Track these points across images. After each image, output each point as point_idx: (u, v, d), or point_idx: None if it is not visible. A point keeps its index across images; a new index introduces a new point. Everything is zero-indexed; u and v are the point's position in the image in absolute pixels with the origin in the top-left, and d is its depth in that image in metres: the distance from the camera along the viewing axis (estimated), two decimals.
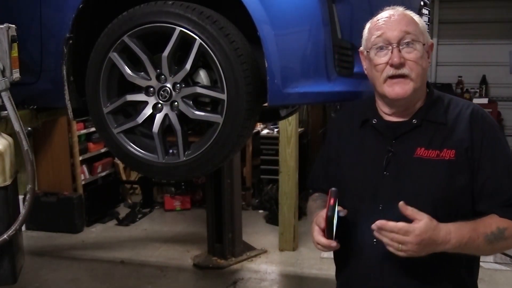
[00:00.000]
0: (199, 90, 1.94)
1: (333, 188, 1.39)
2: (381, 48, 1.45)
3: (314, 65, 1.86)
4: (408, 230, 1.32)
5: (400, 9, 1.49)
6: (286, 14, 1.86)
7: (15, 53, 1.98)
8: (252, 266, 4.36)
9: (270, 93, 1.88)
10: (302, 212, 4.86)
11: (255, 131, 5.47)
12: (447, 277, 1.48)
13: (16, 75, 2.00)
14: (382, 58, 1.45)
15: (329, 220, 1.37)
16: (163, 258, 4.52)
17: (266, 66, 1.85)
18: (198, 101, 1.99)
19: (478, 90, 5.94)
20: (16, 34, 1.98)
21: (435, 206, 1.42)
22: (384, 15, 1.48)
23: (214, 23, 1.85)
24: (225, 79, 1.86)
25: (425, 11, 2.35)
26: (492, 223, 1.41)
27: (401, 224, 1.32)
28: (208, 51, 1.86)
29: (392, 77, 1.44)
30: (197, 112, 1.94)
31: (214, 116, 1.93)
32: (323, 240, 1.41)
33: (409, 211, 1.34)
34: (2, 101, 1.95)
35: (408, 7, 2.14)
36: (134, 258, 4.52)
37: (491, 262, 4.34)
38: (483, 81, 5.94)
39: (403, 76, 1.43)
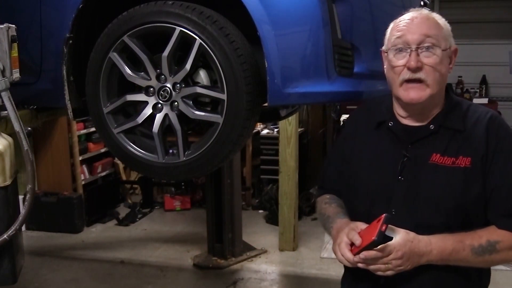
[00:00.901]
0: (199, 90, 1.94)
1: (386, 214, 1.35)
2: (400, 50, 1.43)
3: (314, 65, 1.86)
4: (389, 249, 1.34)
5: (425, 11, 1.46)
6: (286, 14, 1.85)
7: (15, 53, 1.98)
8: (252, 266, 4.36)
9: (270, 93, 1.88)
10: (302, 212, 4.86)
11: (255, 131, 5.47)
12: (457, 276, 1.47)
13: (16, 75, 2.00)
14: (400, 61, 1.43)
15: (374, 244, 1.33)
16: (163, 258, 4.52)
17: (266, 66, 1.85)
18: (198, 101, 1.99)
19: (478, 90, 5.94)
20: (16, 34, 1.98)
21: (448, 214, 1.41)
22: (407, 16, 1.45)
23: (214, 23, 1.85)
24: (225, 79, 1.86)
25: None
26: (483, 235, 1.40)
27: (382, 246, 1.33)
28: (208, 51, 1.86)
29: (408, 81, 1.42)
30: (197, 112, 1.94)
31: (214, 116, 1.93)
32: (349, 255, 1.38)
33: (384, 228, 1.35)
34: (2, 101, 1.95)
35: (408, 6, 2.14)
36: (134, 258, 4.52)
37: None
38: (483, 81, 5.94)
39: (419, 80, 1.41)
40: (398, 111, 1.52)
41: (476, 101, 5.81)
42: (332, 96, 1.92)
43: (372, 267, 1.37)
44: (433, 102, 1.47)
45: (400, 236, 1.35)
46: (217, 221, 4.37)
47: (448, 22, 1.48)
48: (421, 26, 1.42)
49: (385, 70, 1.53)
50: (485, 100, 5.79)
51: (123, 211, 5.72)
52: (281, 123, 4.45)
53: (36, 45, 2.19)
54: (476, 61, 5.99)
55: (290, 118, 4.08)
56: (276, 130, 5.66)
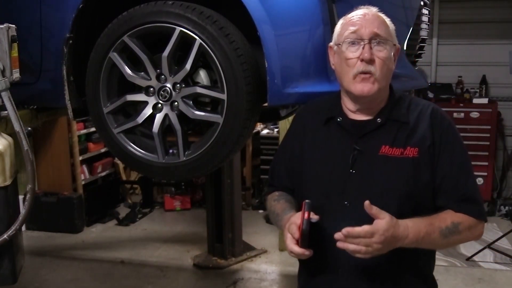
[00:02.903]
0: (199, 90, 1.94)
1: (307, 200, 1.39)
2: (353, 43, 1.48)
3: (314, 65, 1.86)
4: (373, 232, 1.35)
5: (374, 9, 1.52)
6: (286, 14, 1.86)
7: (15, 53, 1.98)
8: (252, 266, 4.36)
9: (270, 93, 1.88)
10: None
11: (255, 131, 5.46)
12: (408, 271, 1.54)
13: (16, 75, 2.00)
14: (353, 53, 1.48)
15: (304, 233, 1.37)
16: (163, 258, 4.52)
17: (266, 66, 1.85)
18: (198, 101, 1.99)
19: (478, 90, 5.92)
20: (16, 34, 1.98)
21: (401, 202, 1.47)
22: (359, 13, 1.51)
23: (214, 23, 1.85)
24: (225, 79, 1.86)
25: (425, 11, 2.35)
26: (447, 218, 1.47)
27: (366, 227, 1.35)
28: (208, 51, 1.86)
29: (362, 72, 1.47)
30: (197, 112, 1.94)
31: (214, 116, 1.93)
32: (296, 249, 1.41)
33: (374, 210, 1.37)
34: (2, 101, 1.95)
35: (408, 7, 2.15)
36: (134, 258, 4.52)
37: (491, 262, 4.35)
38: (483, 81, 5.92)
39: (370, 73, 1.47)
40: (348, 105, 1.56)
41: (476, 101, 5.79)
42: None
43: (352, 247, 1.37)
44: (380, 96, 1.53)
45: (386, 221, 1.37)
46: (217, 221, 4.37)
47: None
48: (373, 22, 1.48)
49: (333, 65, 1.58)
50: (485, 100, 5.77)
51: (123, 211, 5.72)
52: (281, 123, 4.44)
53: (36, 45, 2.19)
54: (476, 61, 5.97)
55: (290, 118, 4.07)
56: (276, 130, 5.66)
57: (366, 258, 1.39)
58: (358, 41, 1.47)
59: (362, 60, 1.46)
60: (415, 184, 1.48)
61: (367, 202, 1.36)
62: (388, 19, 1.53)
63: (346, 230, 1.35)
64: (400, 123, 1.52)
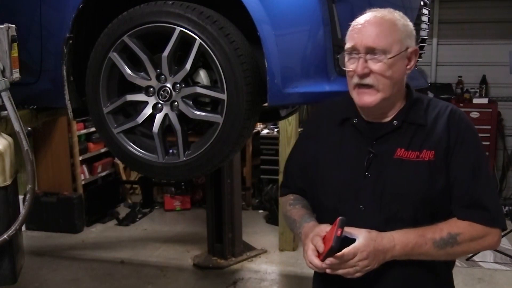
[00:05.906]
0: (199, 90, 1.94)
1: (341, 217, 1.35)
2: (351, 54, 1.45)
3: (314, 65, 1.86)
4: (353, 252, 1.35)
5: (379, 15, 1.45)
6: (286, 14, 1.86)
7: (15, 53, 1.98)
8: (252, 266, 4.36)
9: (270, 93, 1.88)
10: None
11: (255, 131, 5.47)
12: (425, 270, 1.50)
13: (16, 75, 2.00)
14: (351, 65, 1.45)
15: (332, 250, 1.34)
16: (163, 258, 4.52)
17: (266, 66, 1.85)
18: (198, 101, 1.99)
19: (478, 90, 5.92)
20: (16, 34, 1.98)
21: (416, 207, 1.44)
22: (361, 19, 1.45)
23: (214, 23, 1.85)
24: (225, 79, 1.86)
25: (425, 11, 2.35)
26: (444, 228, 1.42)
27: (345, 250, 1.34)
28: (208, 51, 1.86)
29: (359, 85, 1.45)
30: (197, 112, 1.94)
31: (214, 116, 1.93)
32: (316, 261, 1.39)
33: (348, 229, 1.37)
34: (2, 101, 1.95)
35: (408, 7, 2.14)
36: (134, 258, 4.52)
37: (491, 262, 4.35)
38: (483, 81, 5.93)
39: (368, 86, 1.43)
40: (359, 109, 1.54)
41: (476, 101, 5.79)
42: (332, 96, 1.91)
43: (340, 271, 1.38)
44: (389, 103, 1.48)
45: (363, 237, 1.37)
46: (217, 221, 4.37)
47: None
48: (372, 31, 1.41)
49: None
50: (485, 100, 5.78)
51: (123, 211, 5.72)
52: (281, 123, 4.45)
53: (36, 45, 2.19)
54: (476, 61, 5.98)
55: (290, 118, 4.08)
56: (276, 130, 5.66)
57: (359, 276, 1.38)
58: (355, 54, 1.43)
59: (357, 74, 1.44)
60: (431, 188, 1.43)
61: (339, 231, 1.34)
62: (401, 21, 1.45)
63: (330, 260, 1.35)
64: (417, 126, 1.48)
